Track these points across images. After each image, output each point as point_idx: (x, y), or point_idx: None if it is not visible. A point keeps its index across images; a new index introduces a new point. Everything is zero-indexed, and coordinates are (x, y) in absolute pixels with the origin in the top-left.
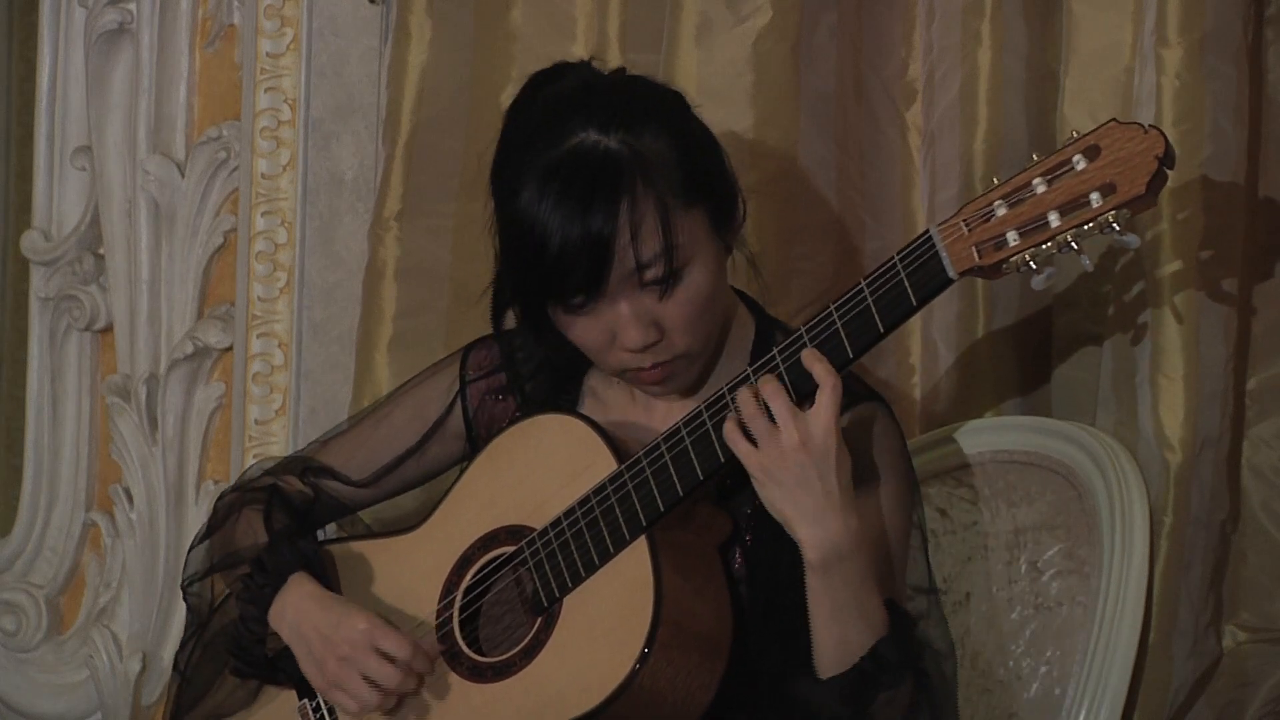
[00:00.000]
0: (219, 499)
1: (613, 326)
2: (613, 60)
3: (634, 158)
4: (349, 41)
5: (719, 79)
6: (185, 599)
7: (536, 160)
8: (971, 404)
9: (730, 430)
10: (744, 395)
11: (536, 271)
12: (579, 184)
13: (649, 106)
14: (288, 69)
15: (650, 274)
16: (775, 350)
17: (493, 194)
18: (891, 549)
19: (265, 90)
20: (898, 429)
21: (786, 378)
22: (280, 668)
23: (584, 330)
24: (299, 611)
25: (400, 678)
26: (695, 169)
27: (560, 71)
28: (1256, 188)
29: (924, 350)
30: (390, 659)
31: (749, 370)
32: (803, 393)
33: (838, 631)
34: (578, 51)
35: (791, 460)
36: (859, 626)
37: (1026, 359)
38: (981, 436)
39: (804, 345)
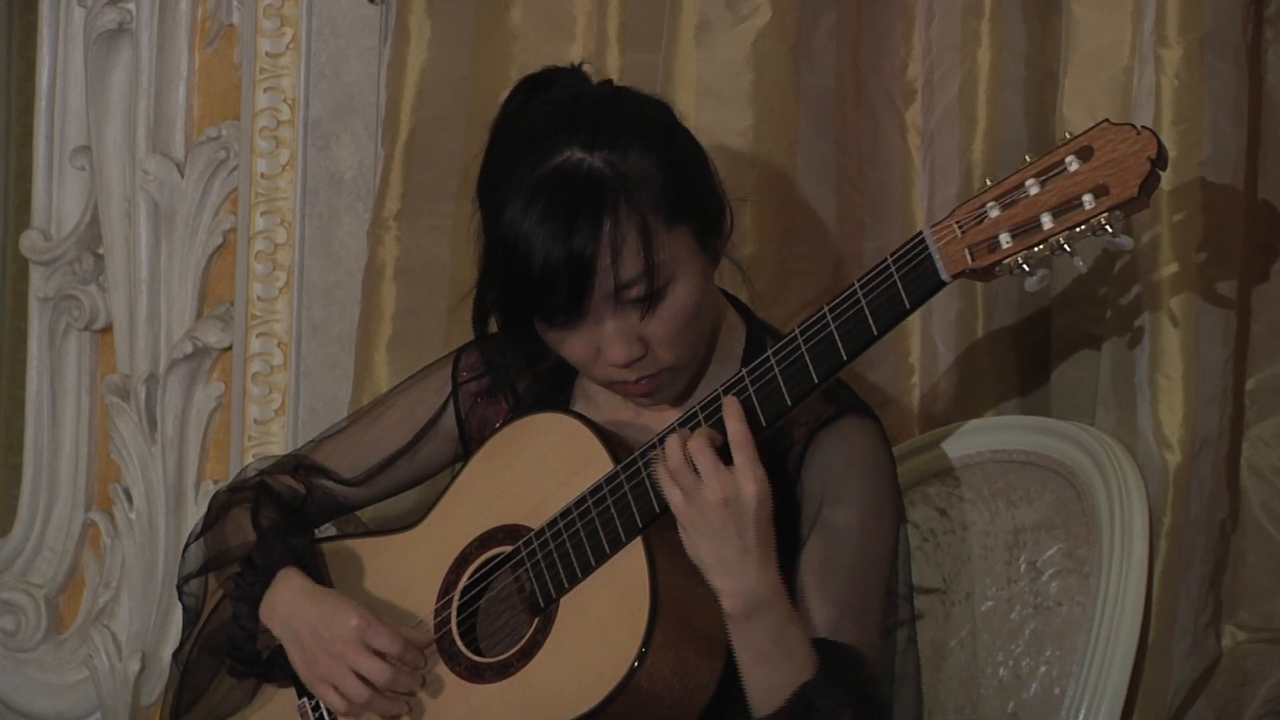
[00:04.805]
0: (213, 498)
1: (597, 342)
2: (612, 60)
3: (617, 178)
4: (348, 41)
5: (719, 79)
6: (180, 599)
7: (522, 177)
8: (971, 404)
9: (663, 477)
10: (672, 444)
11: (520, 289)
12: (562, 204)
13: (635, 123)
14: (287, 69)
15: (632, 293)
16: (769, 352)
17: (479, 207)
18: (864, 568)
19: (264, 90)
20: (883, 442)
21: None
22: (276, 664)
23: (569, 345)
24: (290, 606)
25: (391, 674)
26: (680, 187)
27: (549, 79)
28: (1255, 188)
29: (923, 350)
30: (381, 655)
31: (743, 372)
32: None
33: (762, 675)
34: (577, 51)
35: (713, 514)
36: (783, 670)
37: (1026, 359)
38: (981, 436)
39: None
